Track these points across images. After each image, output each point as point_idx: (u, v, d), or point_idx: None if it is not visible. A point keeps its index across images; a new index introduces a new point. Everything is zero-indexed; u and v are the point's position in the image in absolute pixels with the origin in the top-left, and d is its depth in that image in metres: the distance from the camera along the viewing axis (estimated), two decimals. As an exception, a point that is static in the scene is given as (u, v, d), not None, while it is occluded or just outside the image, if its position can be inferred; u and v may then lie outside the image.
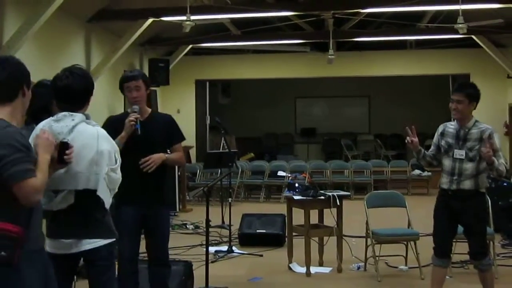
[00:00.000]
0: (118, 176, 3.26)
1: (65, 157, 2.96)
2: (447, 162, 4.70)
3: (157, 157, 4.23)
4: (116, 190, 3.29)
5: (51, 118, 3.25)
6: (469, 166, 4.60)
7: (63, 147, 2.96)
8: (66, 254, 3.23)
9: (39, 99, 3.94)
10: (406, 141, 4.74)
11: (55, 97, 3.31)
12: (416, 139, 4.73)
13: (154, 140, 4.30)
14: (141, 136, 4.20)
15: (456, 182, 4.62)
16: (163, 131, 4.38)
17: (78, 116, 3.21)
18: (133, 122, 4.19)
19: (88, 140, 3.16)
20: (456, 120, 4.73)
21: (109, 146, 3.23)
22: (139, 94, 4.30)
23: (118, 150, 3.32)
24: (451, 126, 4.78)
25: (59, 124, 3.18)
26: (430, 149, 4.88)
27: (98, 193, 3.16)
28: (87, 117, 3.27)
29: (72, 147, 3.00)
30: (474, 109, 4.71)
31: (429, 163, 4.89)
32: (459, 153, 4.63)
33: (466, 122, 4.67)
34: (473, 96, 4.63)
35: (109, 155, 3.21)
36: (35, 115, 3.89)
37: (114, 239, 3.30)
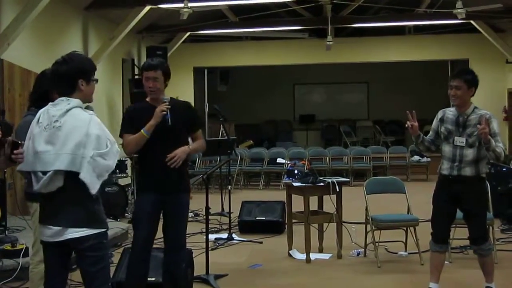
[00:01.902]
0: (107, 162, 3.17)
1: (12, 156, 3.04)
2: (447, 149, 4.70)
3: (181, 152, 4.25)
4: (106, 177, 3.20)
5: (50, 103, 3.28)
6: (469, 153, 4.60)
7: (13, 146, 3.02)
8: (55, 242, 3.18)
9: (39, 87, 4.22)
10: (406, 125, 4.74)
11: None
12: (416, 124, 4.73)
13: (179, 128, 4.32)
14: (170, 126, 4.22)
15: (457, 168, 4.63)
16: (185, 119, 4.39)
17: (74, 101, 3.21)
18: (164, 112, 4.20)
19: (79, 123, 3.14)
20: (455, 106, 4.73)
21: (99, 131, 3.17)
22: (154, 85, 4.30)
23: (112, 140, 3.22)
24: (450, 112, 4.77)
25: (55, 108, 3.21)
26: (429, 135, 4.89)
27: (81, 176, 3.09)
28: (90, 109, 3.26)
29: (22, 147, 3.08)
30: (473, 95, 4.71)
31: (427, 148, 4.89)
32: (460, 141, 4.63)
33: (465, 109, 4.67)
34: (471, 82, 4.64)
35: (98, 139, 3.14)
36: (36, 102, 4.10)
37: (104, 229, 3.23)
